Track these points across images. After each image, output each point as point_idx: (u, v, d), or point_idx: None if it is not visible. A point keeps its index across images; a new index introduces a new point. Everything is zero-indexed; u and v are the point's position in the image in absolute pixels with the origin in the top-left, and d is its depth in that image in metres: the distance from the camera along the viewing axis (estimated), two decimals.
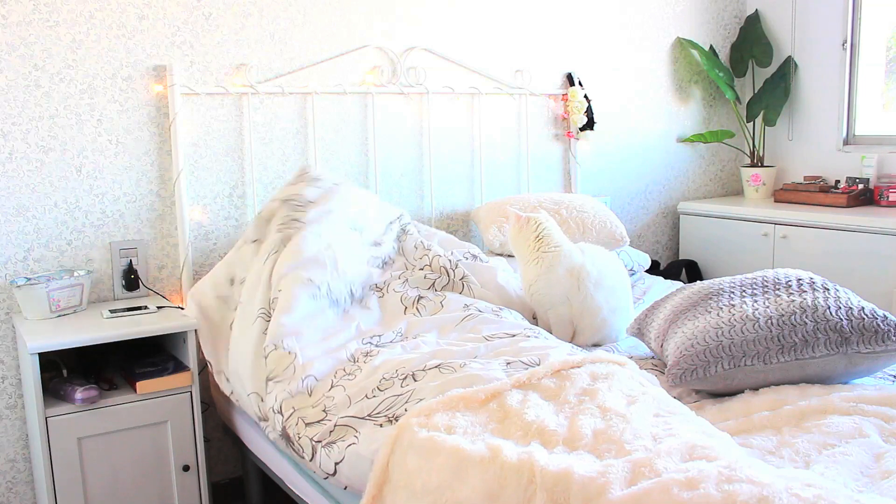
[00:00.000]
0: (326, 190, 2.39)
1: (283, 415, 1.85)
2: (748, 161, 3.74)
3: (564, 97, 3.23)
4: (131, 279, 2.46)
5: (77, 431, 2.10)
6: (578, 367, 1.70)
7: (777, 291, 1.95)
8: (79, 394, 2.09)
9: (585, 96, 3.22)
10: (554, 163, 3.30)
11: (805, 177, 3.45)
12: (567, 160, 3.32)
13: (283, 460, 2.02)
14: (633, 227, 3.53)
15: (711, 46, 3.66)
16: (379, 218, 2.49)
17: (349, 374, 1.88)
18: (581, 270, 2.25)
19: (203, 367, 2.34)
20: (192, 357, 2.23)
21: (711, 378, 1.81)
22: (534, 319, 2.32)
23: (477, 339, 1.95)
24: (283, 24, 2.67)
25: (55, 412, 2.08)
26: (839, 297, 1.89)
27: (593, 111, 3.24)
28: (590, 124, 3.24)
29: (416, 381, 1.74)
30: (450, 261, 2.39)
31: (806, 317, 1.83)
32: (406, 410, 1.62)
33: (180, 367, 2.27)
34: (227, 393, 2.20)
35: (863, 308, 1.86)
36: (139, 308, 2.33)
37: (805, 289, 1.93)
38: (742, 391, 1.83)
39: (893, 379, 1.93)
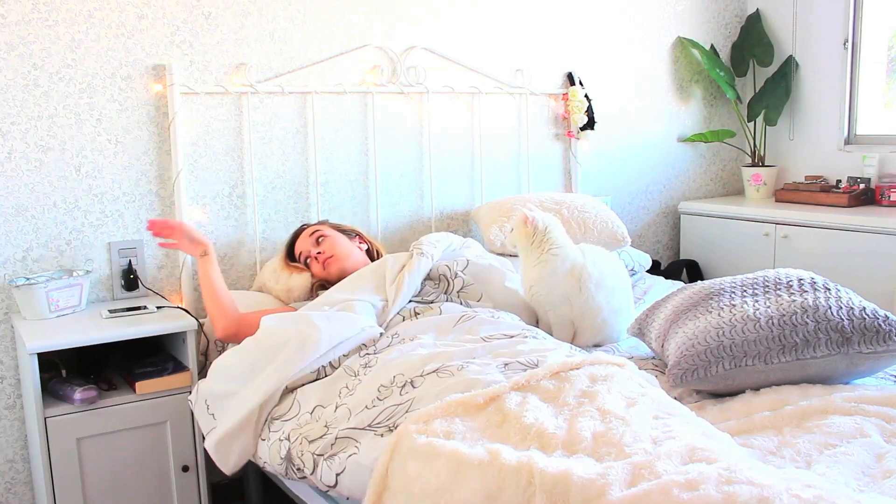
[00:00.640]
0: None
1: (290, 440, 1.82)
2: (749, 161, 3.73)
3: (565, 97, 3.22)
4: (131, 279, 2.46)
5: (76, 432, 2.09)
6: (577, 368, 1.69)
7: (778, 291, 1.94)
8: (78, 394, 2.09)
9: (586, 96, 3.21)
10: (554, 162, 3.30)
11: (806, 176, 3.44)
12: (567, 160, 3.32)
13: None
14: (633, 227, 3.52)
15: (712, 46, 3.66)
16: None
17: (351, 391, 1.86)
18: (582, 271, 2.24)
19: (202, 367, 2.33)
20: (191, 357, 2.23)
21: (712, 378, 1.81)
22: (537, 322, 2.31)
23: (475, 340, 1.94)
24: (283, 23, 2.66)
25: (54, 412, 2.08)
26: (840, 297, 1.88)
27: (594, 111, 3.24)
28: (590, 124, 3.23)
29: (414, 387, 1.73)
30: (449, 268, 2.37)
31: (807, 317, 1.82)
32: (406, 419, 1.61)
33: (180, 367, 2.26)
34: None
35: (864, 308, 1.85)
36: (138, 308, 2.33)
37: (806, 289, 1.93)
38: (743, 391, 1.82)
39: (895, 379, 1.92)
